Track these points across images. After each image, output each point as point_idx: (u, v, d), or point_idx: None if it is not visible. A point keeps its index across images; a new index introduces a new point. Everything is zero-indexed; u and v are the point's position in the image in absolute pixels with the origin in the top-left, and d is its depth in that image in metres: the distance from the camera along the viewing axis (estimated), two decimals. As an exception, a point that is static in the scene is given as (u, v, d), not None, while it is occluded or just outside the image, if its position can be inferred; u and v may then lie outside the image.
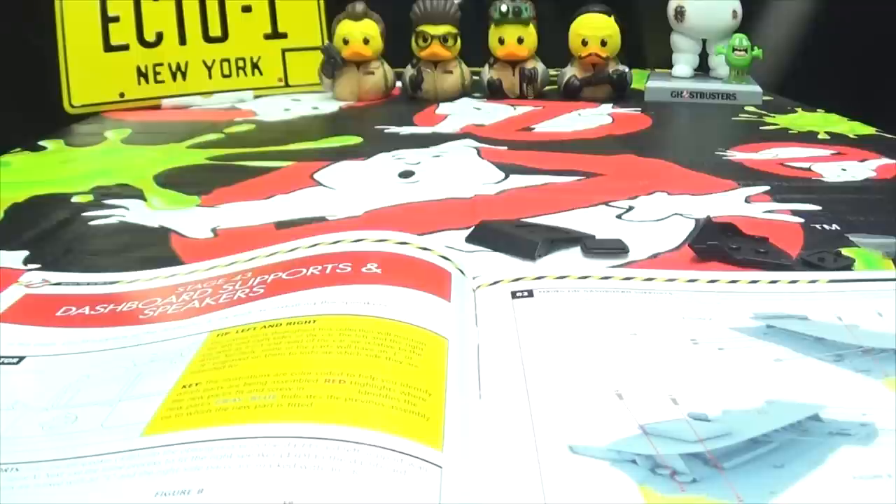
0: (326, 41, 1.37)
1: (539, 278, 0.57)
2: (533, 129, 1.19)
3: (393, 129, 1.17)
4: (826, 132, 1.13)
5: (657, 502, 0.35)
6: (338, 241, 0.60)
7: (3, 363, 0.48)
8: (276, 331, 0.48)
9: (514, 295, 0.55)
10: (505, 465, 0.38)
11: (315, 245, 0.60)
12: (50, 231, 0.73)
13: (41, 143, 1.06)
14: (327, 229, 0.72)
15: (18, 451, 0.39)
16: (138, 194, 0.84)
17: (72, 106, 1.23)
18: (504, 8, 1.33)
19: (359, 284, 0.53)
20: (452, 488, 0.36)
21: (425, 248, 0.60)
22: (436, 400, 0.42)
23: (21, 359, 0.49)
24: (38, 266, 0.63)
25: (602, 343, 0.49)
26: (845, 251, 0.64)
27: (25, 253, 0.66)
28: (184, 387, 0.43)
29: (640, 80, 1.42)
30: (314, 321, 0.49)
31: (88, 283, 0.60)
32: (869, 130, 1.14)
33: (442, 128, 1.19)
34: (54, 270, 0.62)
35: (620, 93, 1.38)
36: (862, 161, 0.96)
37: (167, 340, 0.50)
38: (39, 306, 0.56)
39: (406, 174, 0.92)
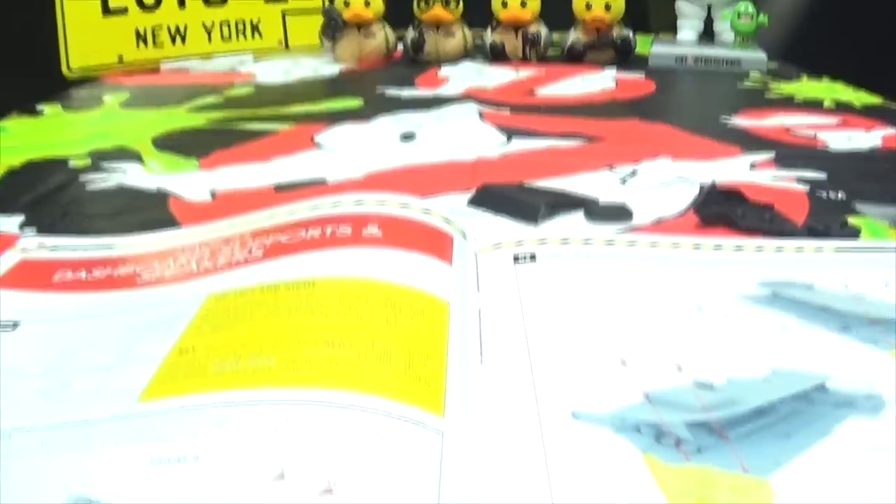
0: (327, 3, 1.36)
1: (542, 242, 0.57)
2: (536, 92, 1.18)
3: (394, 91, 1.16)
4: (832, 100, 1.12)
5: (661, 471, 0.35)
6: (338, 204, 0.59)
7: None
8: (274, 294, 0.47)
9: (516, 259, 0.55)
10: (506, 432, 0.38)
11: (315, 207, 0.59)
12: (47, 195, 0.72)
13: (39, 107, 1.05)
14: (328, 192, 0.72)
15: (12, 418, 0.38)
16: (136, 157, 0.83)
17: (70, 70, 1.22)
18: (507, -30, 1.32)
19: (359, 247, 0.53)
20: (453, 455, 0.36)
21: (427, 211, 0.59)
22: (437, 365, 0.42)
23: (16, 325, 0.48)
24: (34, 230, 0.63)
25: (606, 309, 0.49)
26: (851, 220, 0.64)
27: (22, 217, 0.65)
28: (180, 351, 0.42)
29: (644, 44, 1.40)
30: (313, 284, 0.48)
31: (85, 247, 0.59)
32: (875, 100, 1.13)
33: (444, 91, 1.18)
34: (51, 234, 0.61)
35: (624, 57, 1.37)
36: (868, 130, 0.95)
37: (164, 304, 0.49)
38: (35, 271, 0.55)
39: (407, 137, 0.91)
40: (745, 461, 0.35)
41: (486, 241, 0.58)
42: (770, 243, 0.58)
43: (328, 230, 0.55)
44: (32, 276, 0.55)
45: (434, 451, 0.36)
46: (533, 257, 0.55)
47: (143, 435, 0.36)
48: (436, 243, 0.55)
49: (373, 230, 0.55)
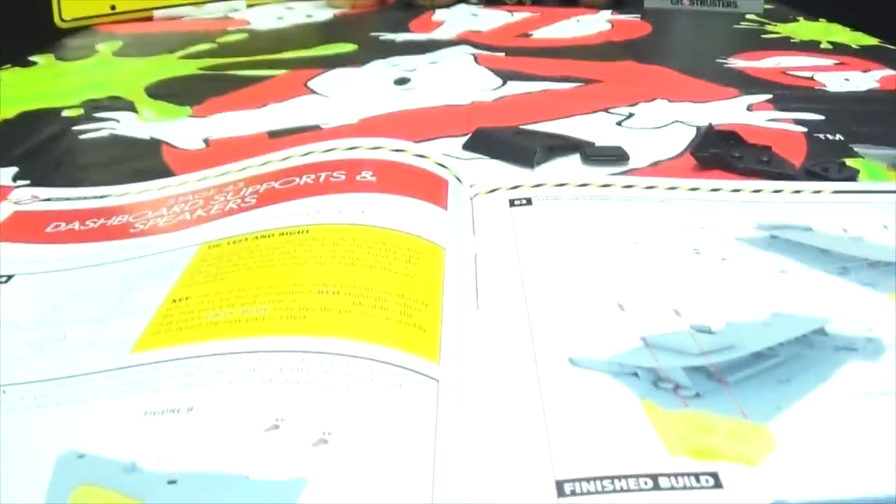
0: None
1: (537, 186, 0.57)
2: (531, 35, 1.18)
3: (388, 35, 1.15)
4: (828, 42, 1.11)
5: (660, 417, 0.35)
6: (332, 150, 0.58)
7: None
8: (268, 242, 0.47)
9: (511, 203, 0.55)
10: (503, 379, 0.37)
11: (308, 153, 0.58)
12: (40, 146, 0.72)
13: (31, 58, 1.04)
14: (322, 137, 0.71)
15: (5, 372, 0.38)
16: (129, 106, 0.83)
17: (62, 20, 1.20)
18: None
19: (353, 193, 0.52)
20: (449, 402, 0.35)
21: (421, 156, 0.58)
22: (432, 311, 0.41)
23: (10, 277, 0.48)
24: (27, 182, 0.62)
25: (602, 253, 0.49)
26: (849, 161, 0.63)
27: (15, 169, 0.65)
28: (174, 301, 0.42)
29: (640, -14, 1.39)
30: (307, 231, 0.47)
31: (78, 198, 0.59)
32: (872, 41, 1.12)
33: (438, 34, 1.17)
34: (45, 185, 0.60)
35: (620, -1, 1.36)
36: (865, 71, 0.95)
37: (158, 254, 0.49)
38: (29, 223, 0.55)
39: (402, 81, 0.90)
40: (743, 406, 0.35)
41: (481, 186, 0.57)
42: (768, 185, 0.58)
43: (322, 176, 0.54)
44: (25, 228, 0.54)
45: (430, 398, 0.35)
46: (529, 201, 0.55)
47: (135, 387, 0.36)
48: (430, 188, 0.54)
49: (367, 175, 0.54)
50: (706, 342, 0.40)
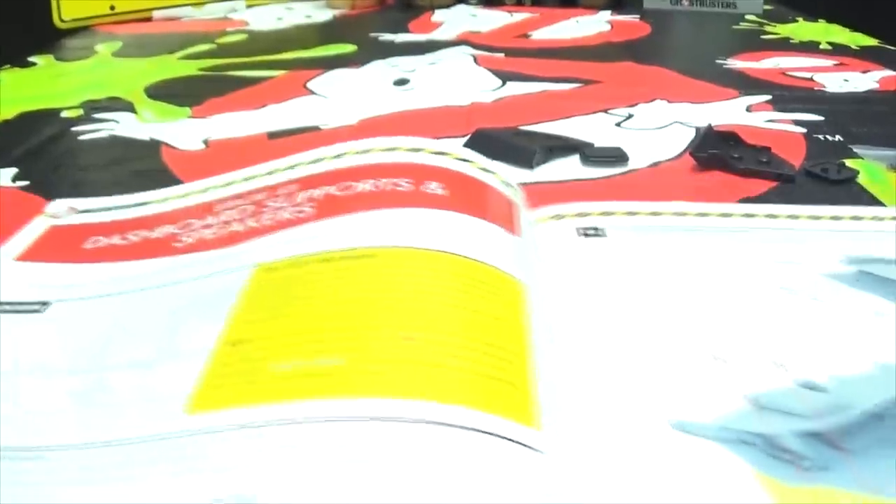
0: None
1: (607, 214, 0.53)
2: (530, 35, 1.18)
3: (388, 36, 1.15)
4: (828, 42, 1.11)
5: (781, 492, 0.31)
6: (393, 149, 0.52)
7: (24, 311, 0.42)
8: (331, 266, 0.41)
9: (580, 233, 0.51)
10: (601, 447, 0.33)
11: (367, 151, 0.52)
12: (39, 147, 0.72)
13: (31, 58, 1.04)
14: (321, 138, 0.72)
15: (46, 431, 0.33)
16: (129, 107, 0.82)
17: (62, 20, 1.20)
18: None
19: (421, 208, 0.46)
20: (558, 479, 0.30)
21: (487, 170, 0.52)
22: (521, 362, 0.36)
23: (45, 305, 0.42)
24: (27, 183, 0.62)
25: (687, 293, 0.45)
26: (849, 162, 0.63)
27: (14, 170, 0.65)
28: (231, 344, 0.36)
29: (639, -14, 1.39)
30: (375, 255, 0.41)
31: (117, 207, 0.55)
32: (871, 42, 1.12)
33: (437, 35, 1.17)
34: (43, 187, 0.60)
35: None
36: (864, 72, 0.95)
37: (207, 277, 0.43)
38: (65, 239, 0.51)
39: (401, 82, 0.90)
40: (871, 480, 0.31)
41: (543, 211, 0.54)
42: (846, 211, 0.55)
43: (385, 183, 0.48)
44: (62, 244, 0.50)
45: (536, 475, 0.30)
46: (599, 231, 0.51)
47: (195, 463, 0.30)
48: (502, 210, 0.49)
49: (435, 188, 0.48)
50: (815, 401, 0.36)
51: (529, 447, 0.31)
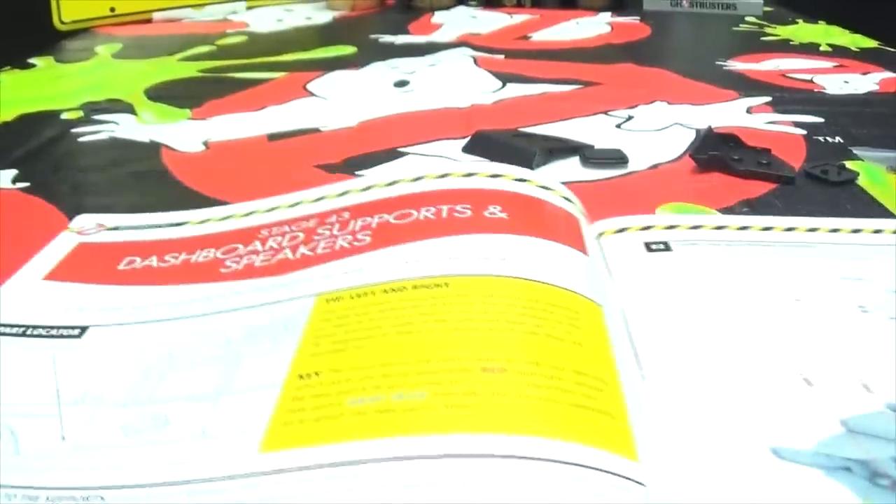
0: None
1: (671, 227, 0.52)
2: (530, 37, 1.18)
3: (387, 38, 1.15)
4: (828, 44, 1.11)
5: None
6: (445, 175, 0.50)
7: (61, 336, 0.40)
8: (401, 297, 0.39)
9: (648, 247, 0.49)
10: (705, 477, 0.31)
11: (418, 179, 0.50)
12: (39, 148, 0.71)
13: (31, 60, 1.04)
14: (321, 140, 0.72)
15: (101, 467, 0.30)
16: (128, 109, 0.82)
17: (62, 22, 1.20)
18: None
19: (486, 234, 0.44)
20: None
21: (546, 188, 0.50)
22: (612, 389, 0.34)
23: (83, 330, 0.40)
24: (27, 185, 0.62)
25: (767, 313, 0.43)
26: (849, 164, 0.63)
27: (14, 171, 0.65)
28: (300, 377, 0.34)
29: (639, -12, 1.39)
30: (446, 284, 0.39)
31: (151, 226, 0.52)
32: (871, 43, 1.12)
33: (437, 37, 1.17)
34: (43, 188, 0.60)
35: (619, 1, 1.36)
36: (864, 74, 0.95)
37: (263, 306, 0.41)
38: (97, 258, 0.48)
39: (401, 83, 0.90)
40: None
41: (606, 224, 0.52)
42: None
43: (444, 210, 0.46)
44: (95, 264, 0.47)
45: None
46: (666, 245, 0.50)
47: None
48: (566, 228, 0.47)
49: (496, 211, 0.46)
50: None
51: (630, 479, 0.29)
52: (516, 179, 0.50)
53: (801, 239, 0.52)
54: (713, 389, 0.36)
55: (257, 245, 0.47)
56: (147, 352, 0.38)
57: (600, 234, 0.50)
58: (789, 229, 0.53)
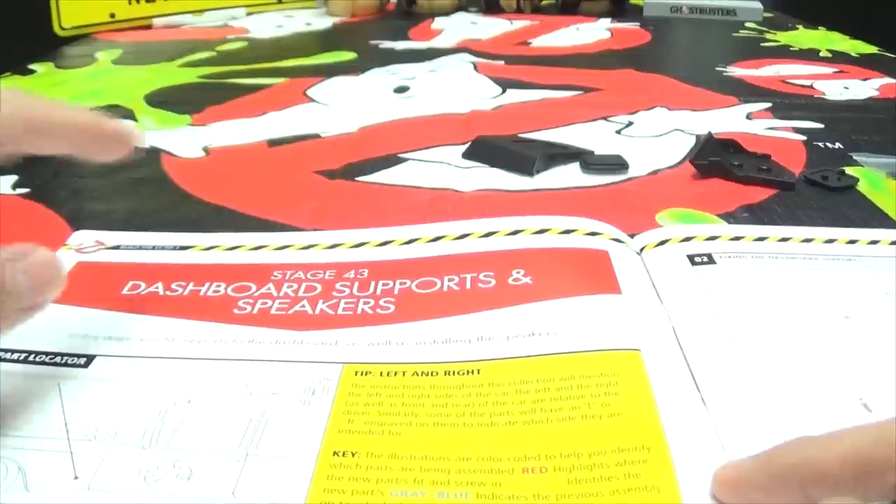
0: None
1: (712, 239, 0.51)
2: (530, 43, 1.18)
3: (388, 44, 1.15)
4: (827, 50, 1.11)
5: None
6: (491, 234, 0.50)
7: (66, 364, 0.38)
8: (432, 382, 0.38)
9: (692, 260, 0.48)
10: None
11: (437, 239, 0.50)
12: (38, 155, 0.71)
13: (31, 66, 1.04)
14: (321, 146, 0.72)
15: None
16: (129, 115, 0.82)
17: (62, 28, 1.20)
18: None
19: (512, 306, 0.43)
20: None
21: (595, 233, 0.50)
22: (656, 455, 0.33)
23: (90, 359, 0.38)
24: (27, 190, 0.62)
25: (818, 331, 0.42)
26: (848, 170, 0.63)
27: (14, 177, 0.64)
28: (335, 454, 0.33)
29: (639, -6, 1.40)
30: (478, 371, 0.38)
31: (154, 248, 0.50)
32: (871, 49, 1.13)
33: (437, 43, 1.17)
34: (43, 194, 0.60)
35: (619, 7, 1.36)
36: (864, 80, 0.95)
37: (285, 363, 0.39)
38: (99, 280, 0.46)
39: (401, 89, 0.90)
40: None
41: (647, 238, 0.51)
42: None
43: (467, 280, 0.46)
44: (96, 287, 0.45)
45: None
46: (710, 258, 0.49)
47: None
48: (593, 271, 0.46)
49: (519, 276, 0.45)
50: None
51: None
52: (562, 232, 0.50)
53: (841, 252, 0.51)
54: (774, 416, 0.35)
55: (271, 288, 0.46)
56: (161, 391, 0.36)
57: (642, 249, 0.50)
58: (829, 241, 0.52)
